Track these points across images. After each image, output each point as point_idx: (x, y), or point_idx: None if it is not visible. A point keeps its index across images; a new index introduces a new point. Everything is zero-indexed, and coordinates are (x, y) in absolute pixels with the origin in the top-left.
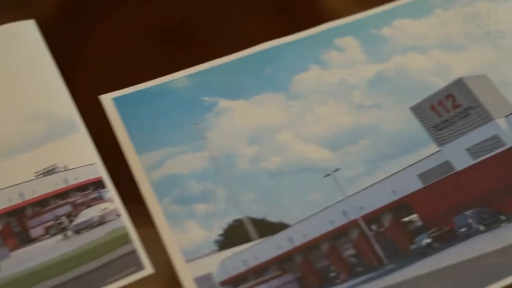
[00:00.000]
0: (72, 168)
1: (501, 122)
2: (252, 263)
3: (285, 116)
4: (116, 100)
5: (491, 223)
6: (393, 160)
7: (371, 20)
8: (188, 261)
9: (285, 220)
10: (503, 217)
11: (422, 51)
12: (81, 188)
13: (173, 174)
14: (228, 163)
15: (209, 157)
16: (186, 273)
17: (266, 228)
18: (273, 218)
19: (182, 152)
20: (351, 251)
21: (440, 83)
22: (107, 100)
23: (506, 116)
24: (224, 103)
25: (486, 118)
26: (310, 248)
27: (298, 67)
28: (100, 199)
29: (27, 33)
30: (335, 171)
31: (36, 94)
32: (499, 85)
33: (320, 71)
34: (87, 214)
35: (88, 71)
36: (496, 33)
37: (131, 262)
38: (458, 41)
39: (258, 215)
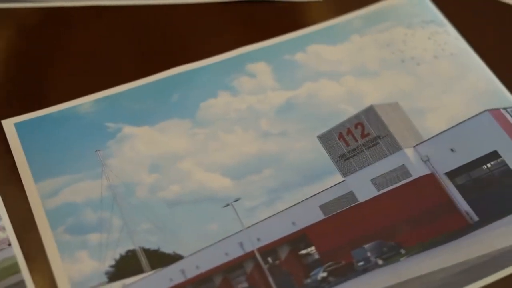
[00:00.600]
0: None
1: (409, 152)
2: None
3: (189, 143)
4: (18, 125)
5: (390, 257)
6: (296, 190)
7: (286, 45)
8: None
9: (180, 252)
10: (402, 251)
11: (335, 78)
12: None
13: (69, 203)
14: (127, 191)
15: (107, 185)
16: None
17: (159, 259)
18: (167, 249)
19: (80, 180)
20: (244, 285)
21: (351, 111)
22: (9, 125)
23: (415, 146)
24: (128, 129)
25: (395, 147)
26: (202, 280)
27: (207, 93)
28: None
29: None
30: (235, 201)
31: None
32: (411, 113)
33: (229, 97)
34: None
35: None
36: (411, 59)
37: None
38: (372, 68)
39: (152, 246)
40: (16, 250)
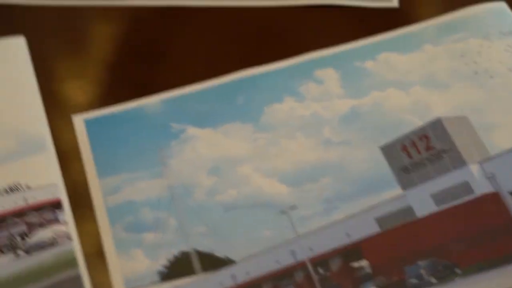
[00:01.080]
0: (34, 188)
1: (473, 168)
2: None
3: (250, 148)
4: (88, 122)
5: (444, 276)
6: (353, 201)
7: (356, 52)
8: None
9: (232, 256)
10: (458, 271)
11: (403, 88)
12: (39, 208)
13: (129, 200)
14: (185, 193)
15: (167, 185)
16: None
17: (212, 262)
18: (220, 253)
19: (141, 178)
20: None
21: (417, 122)
22: (79, 121)
23: (480, 162)
24: (191, 131)
25: (459, 163)
26: (251, 287)
27: (272, 98)
28: (55, 221)
29: (15, 48)
30: (291, 208)
31: (11, 111)
32: (480, 128)
33: (294, 103)
34: (40, 235)
35: (65, 90)
36: (484, 72)
37: (74, 286)
38: (443, 79)
39: (205, 248)
40: (76, 244)
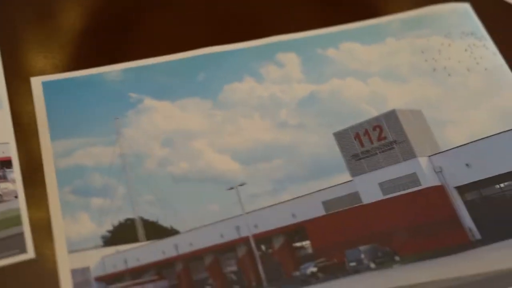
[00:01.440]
0: None
1: (423, 161)
2: (132, 264)
3: (206, 123)
4: (45, 84)
5: (383, 262)
6: (302, 184)
7: (320, 39)
8: (71, 251)
9: (177, 227)
10: (397, 258)
11: (362, 78)
12: None
13: (79, 165)
14: (137, 161)
15: (119, 153)
16: (65, 263)
17: (156, 231)
18: (165, 222)
19: (94, 144)
20: (233, 268)
21: (372, 112)
22: (37, 83)
23: (430, 156)
24: (148, 102)
25: (409, 154)
26: (193, 258)
27: (233, 77)
28: (3, 178)
29: None
30: (240, 185)
31: None
32: (433, 123)
33: (253, 83)
34: None
35: (28, 54)
36: (443, 69)
37: (16, 244)
38: (402, 72)
39: (151, 217)
40: (22, 203)
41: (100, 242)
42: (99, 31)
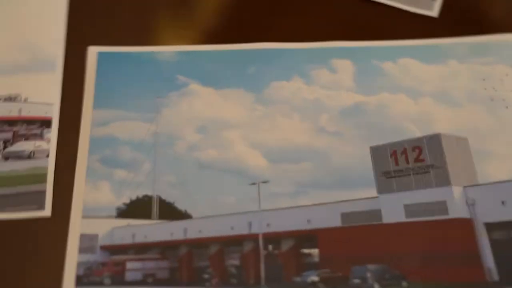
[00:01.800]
0: (31, 102)
1: (456, 190)
2: (139, 239)
3: (244, 116)
4: (101, 54)
5: (389, 285)
6: (325, 191)
7: (379, 50)
8: (85, 217)
9: (191, 212)
10: (404, 284)
11: (413, 96)
12: (29, 121)
13: (113, 135)
14: (168, 142)
15: (153, 132)
16: (76, 226)
17: (170, 212)
18: (180, 205)
19: (132, 119)
20: (235, 262)
21: (416, 133)
22: (93, 52)
23: (465, 186)
24: (194, 86)
25: (444, 181)
26: (198, 244)
27: (282, 75)
28: (39, 136)
29: None
30: (263, 182)
31: (34, 28)
32: (477, 153)
33: (301, 84)
34: (21, 146)
35: (93, 21)
36: (501, 101)
37: (36, 200)
38: (456, 96)
39: (168, 198)
40: (51, 163)
41: (114, 213)
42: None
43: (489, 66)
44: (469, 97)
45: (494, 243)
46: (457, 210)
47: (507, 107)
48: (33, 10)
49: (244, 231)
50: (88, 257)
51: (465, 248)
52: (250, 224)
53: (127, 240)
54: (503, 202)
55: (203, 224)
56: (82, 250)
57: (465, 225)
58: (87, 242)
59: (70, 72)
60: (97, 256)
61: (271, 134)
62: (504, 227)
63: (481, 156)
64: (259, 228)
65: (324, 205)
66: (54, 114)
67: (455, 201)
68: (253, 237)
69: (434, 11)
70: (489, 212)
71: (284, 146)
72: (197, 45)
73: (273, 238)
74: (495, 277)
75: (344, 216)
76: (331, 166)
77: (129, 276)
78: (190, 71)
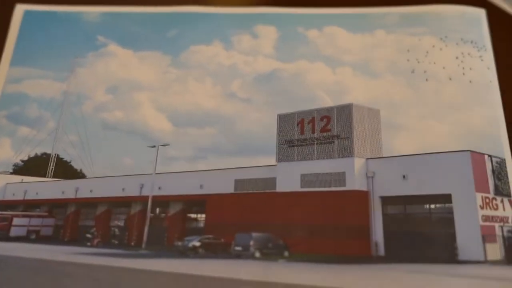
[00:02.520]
0: None
1: (358, 162)
2: (30, 195)
3: (156, 79)
4: (27, 12)
5: (270, 254)
6: (224, 157)
7: (306, 18)
8: None
9: (86, 172)
10: (286, 253)
11: (332, 65)
12: None
13: (23, 93)
14: (76, 102)
15: (63, 91)
16: None
17: (65, 171)
18: (77, 165)
19: (46, 77)
20: (120, 223)
21: (329, 103)
22: (20, 10)
23: (368, 158)
24: (112, 47)
25: (346, 153)
26: (88, 203)
27: (203, 39)
28: None
29: None
30: (162, 145)
31: None
32: (388, 125)
33: (220, 49)
34: None
35: None
36: (422, 73)
37: None
38: (377, 68)
39: (66, 157)
40: None
41: (10, 169)
42: None
43: (416, 37)
44: (390, 68)
45: (386, 218)
46: (355, 182)
47: (427, 80)
48: None
49: (135, 193)
50: None
51: (356, 221)
52: (142, 186)
53: (19, 196)
54: (404, 176)
55: (95, 185)
56: None
57: (360, 198)
58: None
59: None
60: None
61: (180, 98)
62: (400, 202)
63: (391, 128)
64: (151, 190)
65: (219, 171)
66: None
67: (355, 173)
68: (143, 200)
69: None
70: (388, 186)
71: (191, 110)
72: (122, 6)
73: (162, 201)
74: (381, 251)
75: (238, 182)
76: (235, 133)
77: (13, 231)
78: (111, 32)
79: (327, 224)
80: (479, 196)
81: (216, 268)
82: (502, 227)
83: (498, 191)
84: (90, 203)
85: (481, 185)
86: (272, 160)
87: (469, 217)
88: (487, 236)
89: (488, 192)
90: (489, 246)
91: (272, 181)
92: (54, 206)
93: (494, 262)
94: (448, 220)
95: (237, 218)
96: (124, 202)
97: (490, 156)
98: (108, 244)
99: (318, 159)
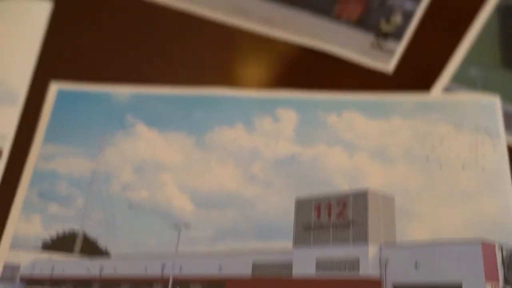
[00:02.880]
0: None
1: (372, 249)
2: (57, 272)
3: (181, 159)
4: (61, 91)
5: None
6: (243, 239)
7: (325, 102)
8: (12, 246)
9: (111, 250)
10: None
11: (350, 150)
12: None
13: (54, 170)
14: (105, 180)
15: (93, 169)
16: (2, 257)
17: (91, 249)
18: (103, 243)
19: (76, 154)
20: None
21: (346, 188)
22: (54, 88)
23: (381, 245)
24: (140, 127)
25: (361, 239)
26: (111, 282)
27: (226, 120)
28: None
29: (36, 10)
30: (184, 226)
31: (2, 62)
32: (402, 212)
33: (242, 132)
34: None
35: (61, 58)
36: (436, 160)
37: None
38: (393, 154)
39: (93, 235)
40: None
41: (39, 245)
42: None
43: (431, 124)
44: (405, 155)
45: None
46: (368, 268)
47: (440, 168)
48: (6, 46)
49: (156, 272)
50: (5, 287)
51: None
52: (163, 266)
53: (46, 273)
54: (416, 264)
55: (119, 263)
56: (2, 279)
57: (373, 285)
58: (9, 272)
59: (30, 106)
60: (15, 286)
61: (203, 178)
62: None
63: (404, 215)
64: (172, 270)
65: (237, 253)
66: (6, 145)
67: (369, 259)
68: (164, 280)
69: (389, 66)
70: (400, 273)
71: (212, 191)
72: (151, 86)
73: (183, 282)
74: None
75: (255, 266)
76: (254, 215)
77: None
78: (140, 112)
79: None
80: (488, 285)
81: None
82: None
83: (508, 282)
84: (113, 282)
85: (491, 275)
86: (289, 243)
87: None
88: None
89: (497, 281)
90: None
91: (288, 265)
92: (78, 283)
93: None
94: None
95: None
96: (145, 282)
97: (500, 245)
98: None
99: (333, 243)
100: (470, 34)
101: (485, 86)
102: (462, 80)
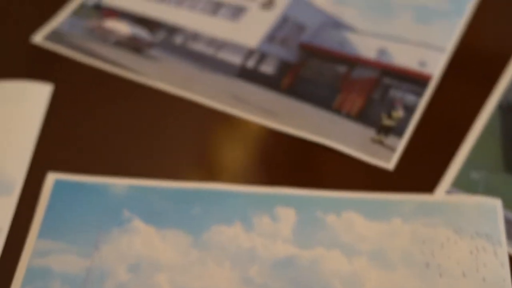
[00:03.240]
0: None
1: None
2: None
3: (177, 259)
4: (58, 182)
5: None
6: None
7: (324, 201)
8: None
9: None
10: None
11: (349, 254)
12: None
13: (48, 268)
14: (99, 279)
15: (87, 267)
16: None
17: None
18: None
19: (71, 252)
20: None
21: None
22: (51, 178)
23: None
24: (136, 223)
25: None
26: None
27: (224, 218)
28: None
29: (35, 94)
30: None
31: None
32: None
33: (241, 231)
34: None
35: (60, 147)
36: (436, 267)
37: None
38: (392, 259)
39: None
40: None
41: None
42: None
43: (432, 228)
44: (405, 260)
45: None
46: None
47: (441, 275)
48: (3, 131)
49: None
50: None
51: None
52: None
53: None
54: None
55: None
56: None
57: None
58: None
59: (25, 198)
60: None
61: (198, 281)
62: None
63: None
64: None
65: None
66: (1, 240)
67: None
68: None
69: (390, 164)
70: None
71: None
72: (150, 179)
73: None
74: None
75: None
76: None
77: None
78: (137, 207)
79: None
80: None
81: None
82: None
83: None
84: None
85: None
86: None
87: None
88: None
89: None
90: None
91: None
92: None
93: None
94: None
95: None
96: None
97: None
98: None
99: None
100: (471, 134)
101: (488, 191)
102: (463, 185)
